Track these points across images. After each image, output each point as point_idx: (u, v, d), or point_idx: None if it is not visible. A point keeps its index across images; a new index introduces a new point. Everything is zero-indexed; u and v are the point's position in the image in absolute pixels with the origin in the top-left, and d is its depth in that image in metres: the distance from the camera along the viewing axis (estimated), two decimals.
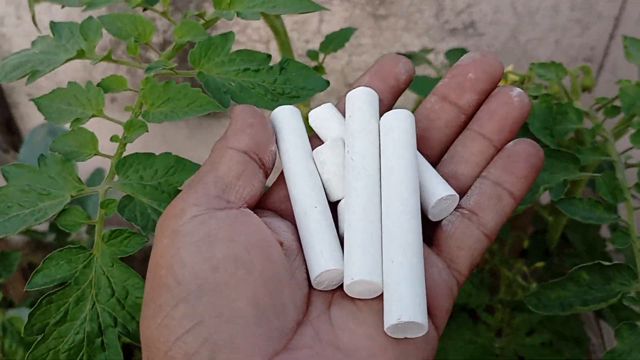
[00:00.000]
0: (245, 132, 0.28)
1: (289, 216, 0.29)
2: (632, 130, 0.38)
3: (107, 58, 0.35)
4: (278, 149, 0.30)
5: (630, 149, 0.39)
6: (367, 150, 0.28)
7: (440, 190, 0.28)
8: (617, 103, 0.42)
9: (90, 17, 0.36)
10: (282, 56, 0.45)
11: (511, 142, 0.30)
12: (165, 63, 0.34)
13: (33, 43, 0.39)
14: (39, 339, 0.31)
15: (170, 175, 0.32)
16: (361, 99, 0.30)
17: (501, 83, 0.48)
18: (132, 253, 0.31)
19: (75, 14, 0.82)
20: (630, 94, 0.38)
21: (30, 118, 1.00)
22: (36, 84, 0.97)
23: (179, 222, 0.26)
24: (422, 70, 0.88)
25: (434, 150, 0.31)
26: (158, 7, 0.39)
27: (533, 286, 0.54)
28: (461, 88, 0.31)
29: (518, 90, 0.30)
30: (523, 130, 0.39)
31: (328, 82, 0.33)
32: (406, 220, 0.26)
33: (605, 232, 0.63)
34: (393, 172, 0.28)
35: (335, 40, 0.50)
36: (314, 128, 0.32)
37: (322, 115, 0.31)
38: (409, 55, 0.70)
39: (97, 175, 0.72)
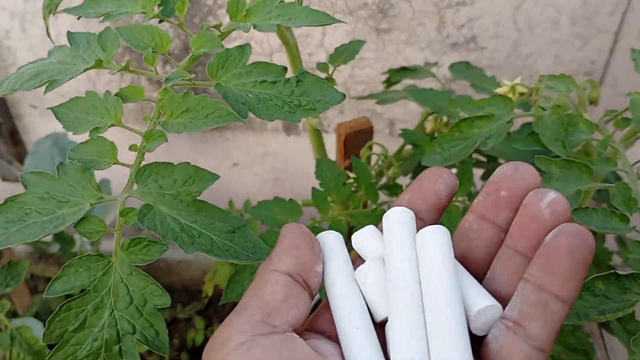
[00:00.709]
0: (291, 253, 0.28)
1: (337, 338, 0.29)
2: None
3: (125, 68, 0.35)
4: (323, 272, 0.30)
5: None
6: (406, 270, 0.28)
7: (480, 300, 0.27)
8: (626, 115, 0.42)
9: (108, 28, 0.37)
10: (292, 68, 0.45)
11: (550, 235, 0.26)
12: (183, 74, 0.34)
13: (49, 53, 0.39)
14: (56, 346, 0.31)
15: (189, 185, 0.32)
16: (397, 219, 0.30)
17: (510, 95, 0.48)
18: (151, 262, 0.31)
19: (79, 27, 0.82)
20: None
21: (34, 129, 1.00)
22: (39, 96, 0.97)
23: (224, 351, 0.25)
24: (425, 84, 0.89)
25: (478, 271, 0.30)
26: (173, 19, 0.40)
27: None
28: (496, 206, 0.29)
29: (550, 197, 0.27)
30: (534, 140, 0.40)
31: (344, 95, 0.34)
32: (455, 341, 0.26)
33: (611, 244, 0.64)
34: (434, 291, 0.27)
35: (345, 53, 0.51)
36: (357, 250, 0.32)
37: (364, 238, 0.31)
38: (413, 69, 0.71)
39: (102, 185, 0.72)
